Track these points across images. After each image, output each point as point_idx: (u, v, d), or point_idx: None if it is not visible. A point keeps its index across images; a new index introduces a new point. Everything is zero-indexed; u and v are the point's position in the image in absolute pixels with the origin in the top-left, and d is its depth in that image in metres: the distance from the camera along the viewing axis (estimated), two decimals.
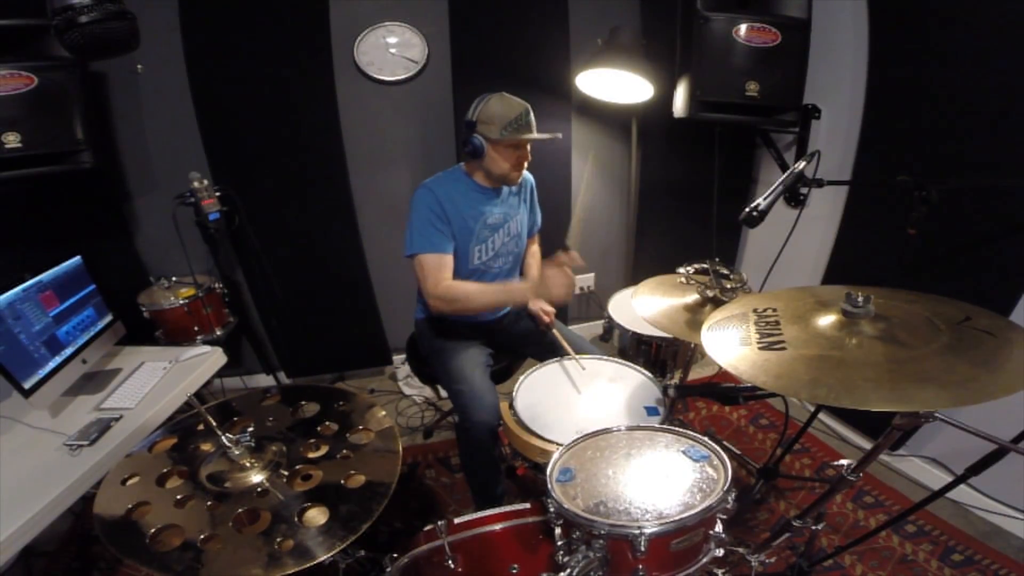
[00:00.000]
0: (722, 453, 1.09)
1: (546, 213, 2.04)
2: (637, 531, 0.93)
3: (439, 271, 1.63)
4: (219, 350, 1.85)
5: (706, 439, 1.13)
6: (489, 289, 1.73)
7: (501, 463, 1.70)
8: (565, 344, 1.73)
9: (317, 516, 1.08)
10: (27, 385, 1.45)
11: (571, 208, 2.80)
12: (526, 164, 1.71)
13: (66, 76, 1.71)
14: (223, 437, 1.16)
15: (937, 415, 0.97)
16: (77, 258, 1.73)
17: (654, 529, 0.93)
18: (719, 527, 1.03)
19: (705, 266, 1.67)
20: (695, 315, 1.58)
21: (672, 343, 1.86)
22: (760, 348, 1.03)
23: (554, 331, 1.82)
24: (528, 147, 1.68)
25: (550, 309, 1.88)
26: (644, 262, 2.91)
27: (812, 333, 1.05)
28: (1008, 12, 1.60)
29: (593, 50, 2.27)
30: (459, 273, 1.71)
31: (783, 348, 1.02)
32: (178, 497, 1.12)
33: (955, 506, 1.89)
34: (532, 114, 1.63)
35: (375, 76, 2.37)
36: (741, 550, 1.24)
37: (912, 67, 1.92)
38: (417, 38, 2.36)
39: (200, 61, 2.15)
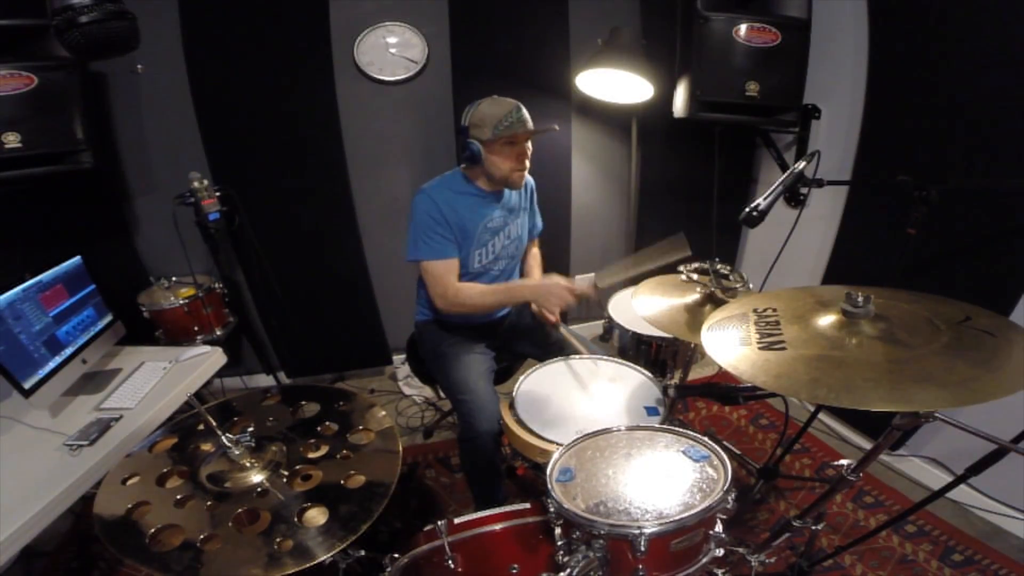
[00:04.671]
0: (722, 453, 1.08)
1: (546, 215, 2.03)
2: (637, 531, 0.93)
3: (446, 276, 1.66)
4: (219, 350, 1.86)
5: (706, 439, 1.13)
6: (494, 290, 1.75)
7: (502, 464, 1.70)
8: (575, 342, 1.73)
9: (317, 516, 1.08)
10: (27, 385, 1.45)
11: (570, 213, 2.80)
12: (527, 162, 1.69)
13: (66, 76, 1.71)
14: (223, 437, 1.15)
15: (937, 415, 0.97)
16: (77, 258, 1.74)
17: (654, 529, 0.93)
18: (719, 527, 1.03)
19: (705, 266, 1.67)
20: (695, 315, 1.58)
21: (672, 343, 1.86)
22: (760, 348, 1.03)
23: (561, 330, 1.80)
24: (528, 144, 1.65)
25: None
26: None
27: (812, 333, 1.05)
28: (1007, 12, 1.60)
29: (593, 50, 2.27)
30: (459, 276, 1.71)
31: (783, 348, 1.01)
32: (178, 497, 1.12)
33: (955, 506, 1.89)
34: (524, 110, 1.60)
35: (375, 76, 2.37)
36: (741, 550, 1.24)
37: (912, 67, 1.92)
38: (417, 38, 2.35)
39: (200, 61, 2.15)
